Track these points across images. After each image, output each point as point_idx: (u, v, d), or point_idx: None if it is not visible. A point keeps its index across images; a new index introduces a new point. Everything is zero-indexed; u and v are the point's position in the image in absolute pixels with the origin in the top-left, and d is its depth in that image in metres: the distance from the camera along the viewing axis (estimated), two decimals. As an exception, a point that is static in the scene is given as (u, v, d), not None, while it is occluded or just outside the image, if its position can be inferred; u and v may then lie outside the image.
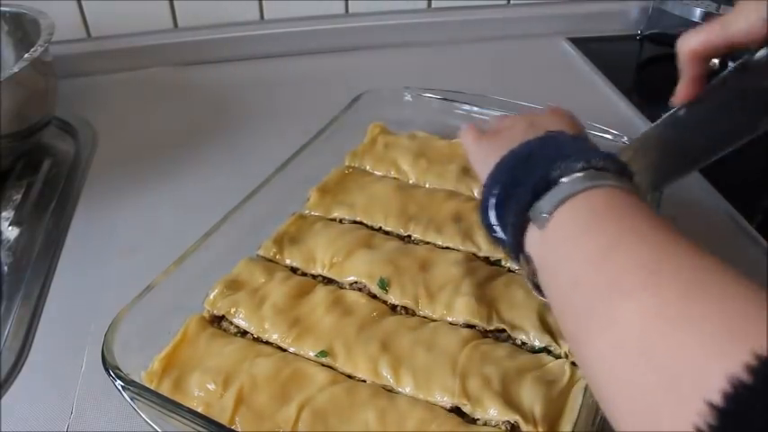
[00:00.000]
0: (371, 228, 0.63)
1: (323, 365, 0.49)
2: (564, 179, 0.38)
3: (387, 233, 0.62)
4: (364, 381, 0.48)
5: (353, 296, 0.54)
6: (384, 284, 0.54)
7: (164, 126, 0.85)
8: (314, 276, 0.58)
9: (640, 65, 1.06)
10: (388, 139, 0.74)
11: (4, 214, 0.70)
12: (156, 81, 0.96)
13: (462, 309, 0.52)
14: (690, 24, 0.99)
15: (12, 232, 0.68)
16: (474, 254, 0.59)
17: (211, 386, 0.47)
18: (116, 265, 0.63)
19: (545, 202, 0.38)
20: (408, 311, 0.54)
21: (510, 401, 0.45)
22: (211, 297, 0.54)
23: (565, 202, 0.37)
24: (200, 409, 0.45)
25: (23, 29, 0.78)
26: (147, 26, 0.97)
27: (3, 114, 0.66)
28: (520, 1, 1.08)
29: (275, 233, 0.61)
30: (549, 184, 0.38)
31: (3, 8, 0.79)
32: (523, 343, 0.51)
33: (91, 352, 0.54)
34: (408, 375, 0.47)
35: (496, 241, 0.45)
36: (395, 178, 0.69)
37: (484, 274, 0.55)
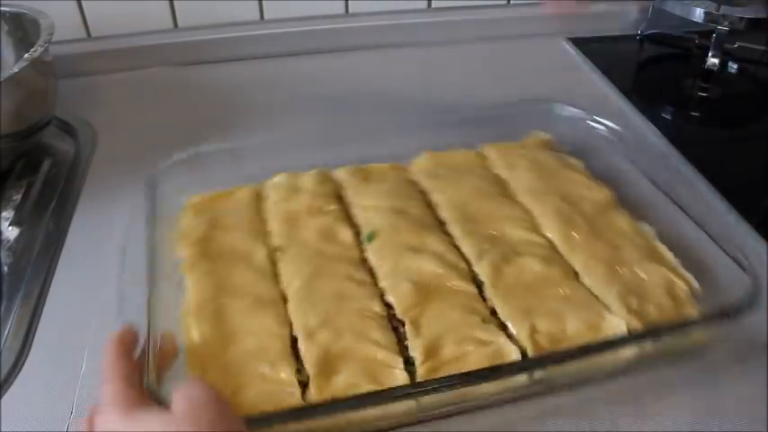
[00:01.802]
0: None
1: None
2: None
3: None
4: None
5: None
6: None
7: (164, 126, 0.85)
8: None
9: (640, 65, 1.06)
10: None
11: (3, 214, 0.70)
12: (156, 81, 0.96)
13: None
14: (690, 24, 0.99)
15: (12, 232, 0.68)
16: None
17: None
18: (116, 264, 0.63)
19: None
20: None
21: None
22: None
23: None
24: None
25: (23, 29, 0.78)
26: (147, 26, 0.97)
27: (2, 114, 0.66)
28: (520, 1, 1.08)
29: None
30: None
31: (2, 8, 0.79)
32: None
33: (91, 352, 0.54)
34: None
35: None
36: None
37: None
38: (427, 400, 0.46)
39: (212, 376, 0.48)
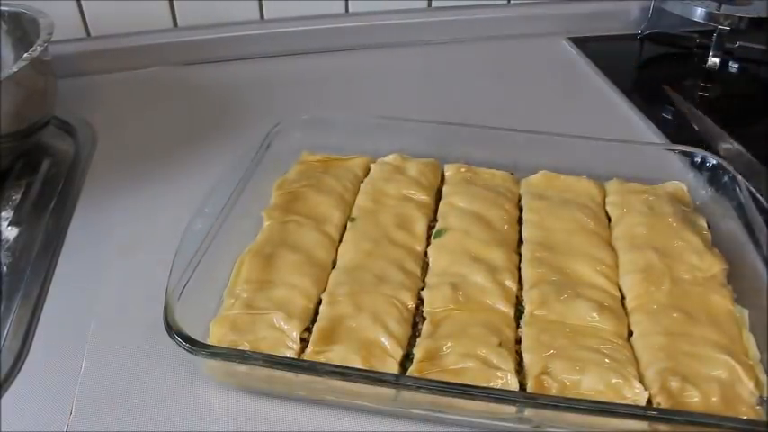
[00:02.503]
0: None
1: None
2: None
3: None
4: None
5: None
6: None
7: (163, 126, 0.85)
8: None
9: (640, 65, 1.06)
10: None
11: (3, 214, 0.70)
12: (155, 81, 0.96)
13: None
14: (691, 24, 0.99)
15: (11, 232, 0.68)
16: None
17: None
18: (116, 264, 0.63)
19: None
20: None
21: None
22: None
23: None
24: None
25: (23, 28, 0.78)
26: (146, 26, 0.97)
27: (2, 114, 0.66)
28: (520, 1, 1.08)
29: None
30: None
31: (2, 7, 0.79)
32: None
33: (90, 352, 0.54)
34: None
35: None
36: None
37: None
38: (405, 395, 0.47)
39: (236, 311, 0.53)
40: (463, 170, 0.70)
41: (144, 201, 0.71)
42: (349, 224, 0.63)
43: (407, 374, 0.48)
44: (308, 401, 0.50)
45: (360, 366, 0.48)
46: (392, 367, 0.49)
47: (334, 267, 0.59)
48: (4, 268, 0.63)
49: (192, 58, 0.98)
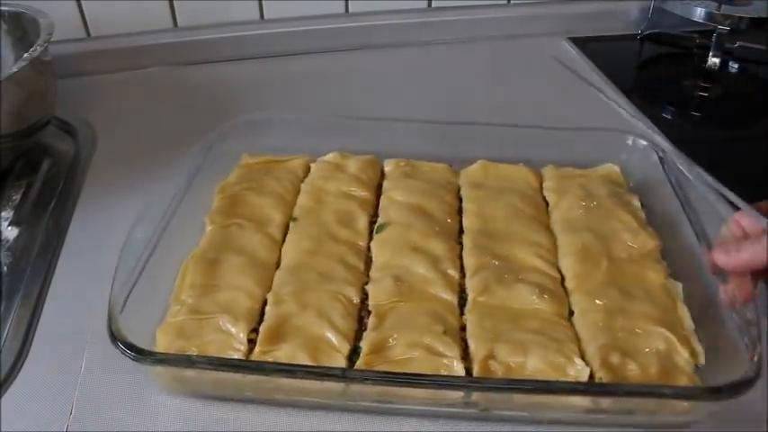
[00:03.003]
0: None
1: None
2: None
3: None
4: None
5: None
6: None
7: (163, 126, 0.85)
8: None
9: (640, 65, 1.06)
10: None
11: (3, 214, 0.70)
12: (155, 81, 0.96)
13: None
14: (691, 24, 0.99)
15: (11, 232, 0.68)
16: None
17: None
18: (115, 264, 0.63)
19: None
20: None
21: None
22: None
23: None
24: None
25: (23, 28, 0.78)
26: (146, 26, 0.97)
27: (2, 114, 0.66)
28: (520, 1, 1.08)
29: None
30: None
31: (2, 7, 0.79)
32: None
33: (90, 352, 0.54)
34: None
35: None
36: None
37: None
38: (353, 388, 0.47)
39: (182, 317, 0.53)
40: (402, 164, 0.70)
41: (144, 200, 0.71)
42: (291, 224, 0.63)
43: (354, 368, 0.49)
44: (259, 402, 0.50)
45: (307, 363, 0.49)
46: (340, 362, 0.50)
47: (278, 268, 0.59)
48: (4, 268, 0.63)
49: (191, 58, 0.98)
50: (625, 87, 0.93)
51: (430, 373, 0.48)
